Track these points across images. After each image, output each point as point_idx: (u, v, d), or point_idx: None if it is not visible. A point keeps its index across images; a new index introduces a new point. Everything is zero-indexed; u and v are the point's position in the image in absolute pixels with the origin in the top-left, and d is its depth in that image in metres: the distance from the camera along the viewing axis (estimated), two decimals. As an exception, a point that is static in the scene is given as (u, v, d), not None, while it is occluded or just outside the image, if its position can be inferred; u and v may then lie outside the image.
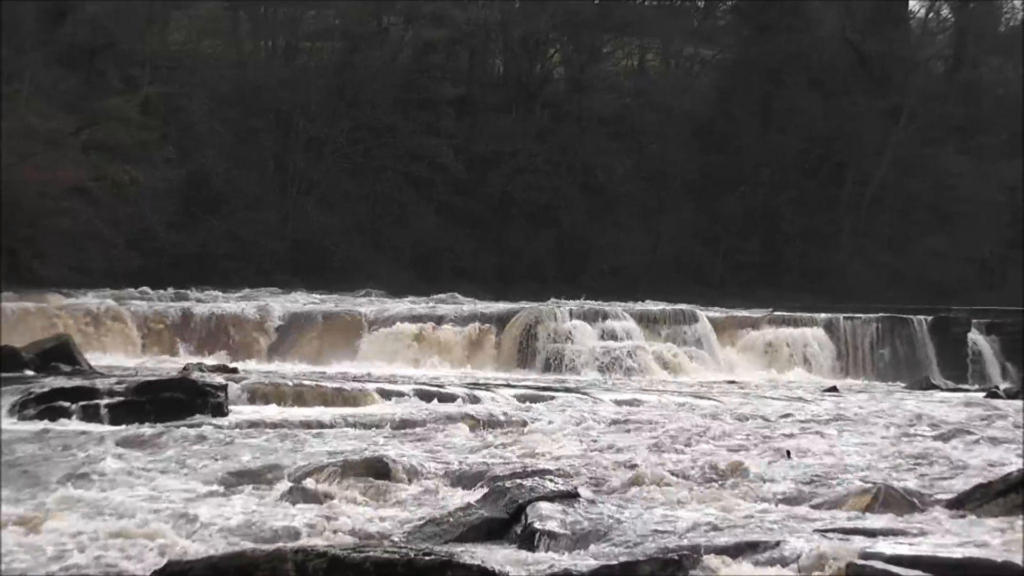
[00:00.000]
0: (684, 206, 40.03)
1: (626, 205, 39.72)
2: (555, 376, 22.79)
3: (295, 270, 33.20)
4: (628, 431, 13.08)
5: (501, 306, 26.29)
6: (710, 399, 17.26)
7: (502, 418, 14.05)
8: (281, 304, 26.17)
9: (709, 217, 39.62)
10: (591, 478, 9.68)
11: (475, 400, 15.68)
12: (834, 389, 20.55)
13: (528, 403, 15.79)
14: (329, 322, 24.95)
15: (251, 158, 36.13)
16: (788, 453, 10.95)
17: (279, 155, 36.61)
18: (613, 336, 24.62)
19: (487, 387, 17.20)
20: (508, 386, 17.81)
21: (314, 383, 16.14)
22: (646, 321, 25.41)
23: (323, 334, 24.63)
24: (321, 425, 13.28)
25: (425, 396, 15.68)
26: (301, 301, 27.44)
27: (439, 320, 24.87)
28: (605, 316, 25.17)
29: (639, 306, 27.43)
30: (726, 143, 40.50)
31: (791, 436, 12.73)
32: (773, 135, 40.61)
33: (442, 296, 29.51)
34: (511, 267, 36.51)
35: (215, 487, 9.27)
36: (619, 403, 16.17)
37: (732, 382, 22.48)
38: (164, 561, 6.48)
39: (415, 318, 24.95)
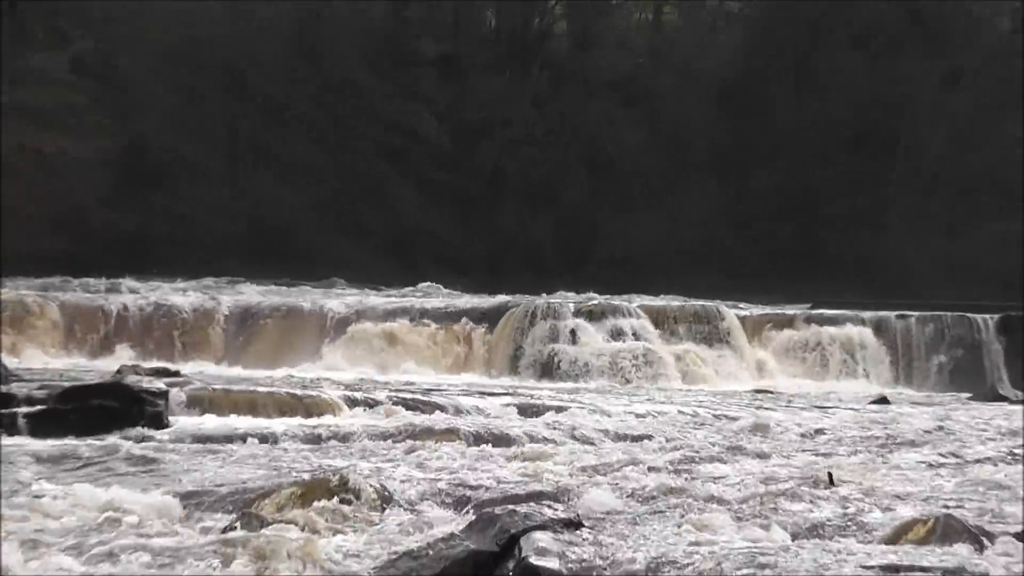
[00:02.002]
0: (707, 183, 40.23)
1: (639, 182, 39.98)
2: (555, 383, 22.99)
3: (250, 256, 33.41)
4: (641, 448, 13.22)
5: (492, 300, 26.43)
6: (737, 411, 17.35)
7: (492, 432, 14.04)
8: (233, 296, 26.31)
9: (736, 196, 39.90)
10: (596, 503, 9.74)
11: (460, 410, 15.72)
12: (884, 400, 20.63)
13: (523, 414, 15.83)
14: (289, 318, 25.18)
15: (199, 124, 36.25)
16: (830, 477, 10.96)
17: (232, 121, 36.78)
18: (623, 336, 24.85)
19: (475, 395, 17.36)
20: (500, 394, 17.95)
21: (271, 389, 16.18)
22: (662, 319, 25.61)
23: (282, 332, 24.85)
24: (279, 439, 13.31)
25: (402, 405, 15.73)
26: (256, 293, 27.60)
27: (419, 316, 25.05)
28: (614, 313, 25.36)
29: (654, 301, 27.61)
30: (756, 110, 40.82)
31: (832, 456, 12.80)
32: (811, 101, 40.95)
33: (423, 288, 29.67)
34: (504, 255, 36.80)
35: (146, 515, 9.14)
36: (630, 415, 16.31)
37: (763, 391, 22.60)
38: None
39: (391, 314, 25.10)
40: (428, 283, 30.54)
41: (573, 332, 24.70)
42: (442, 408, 15.71)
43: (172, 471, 11.18)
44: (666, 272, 34.96)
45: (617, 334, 24.89)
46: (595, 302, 26.16)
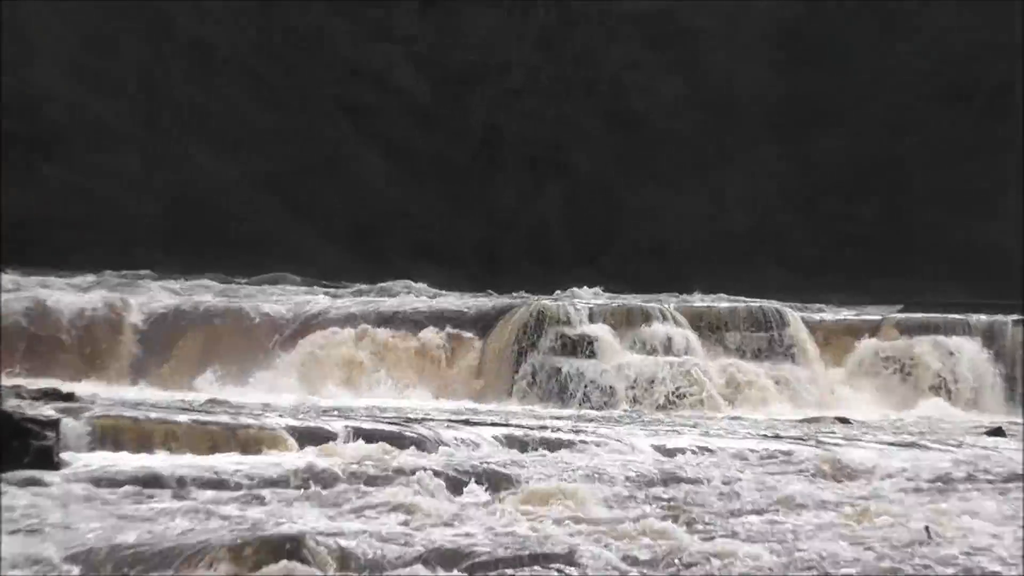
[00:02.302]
0: (761, 151, 40.43)
1: (674, 148, 40.05)
2: (566, 410, 23.12)
3: (171, 245, 33.49)
4: (675, 495, 13.27)
5: (484, 302, 26.57)
6: (804, 446, 17.33)
7: (483, 473, 14.02)
8: (149, 296, 26.31)
9: (799, 167, 40.14)
10: (613, 569, 9.72)
11: (443, 445, 15.75)
12: (998, 432, 20.59)
13: (524, 450, 15.86)
14: (222, 325, 25.34)
15: (106, 74, 36.28)
16: (927, 531, 11.04)
17: (148, 70, 36.81)
18: (654, 348, 24.98)
19: (462, 426, 17.40)
20: (494, 425, 18.00)
21: (196, 418, 16.15)
22: (706, 325, 25.75)
23: (212, 344, 24.98)
24: (206, 483, 13.20)
25: (366, 438, 15.68)
26: (177, 292, 27.59)
27: (389, 323, 25.20)
28: (643, 318, 25.50)
29: (695, 302, 27.95)
30: (825, 57, 40.89)
31: (930, 505, 12.80)
32: (896, 44, 40.83)
33: (394, 286, 29.57)
34: (499, 242, 36.95)
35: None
36: (662, 451, 16.40)
37: (840, 420, 22.55)
38: None
39: (352, 319, 25.24)
40: (402, 280, 30.50)
41: (590, 343, 24.77)
42: (418, 443, 15.74)
43: (64, 524, 11.05)
44: (710, 265, 35.11)
45: (647, 346, 25.02)
46: (618, 304, 26.35)
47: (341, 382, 24.22)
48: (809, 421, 22.20)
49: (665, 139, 40.23)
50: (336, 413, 18.91)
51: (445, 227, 36.90)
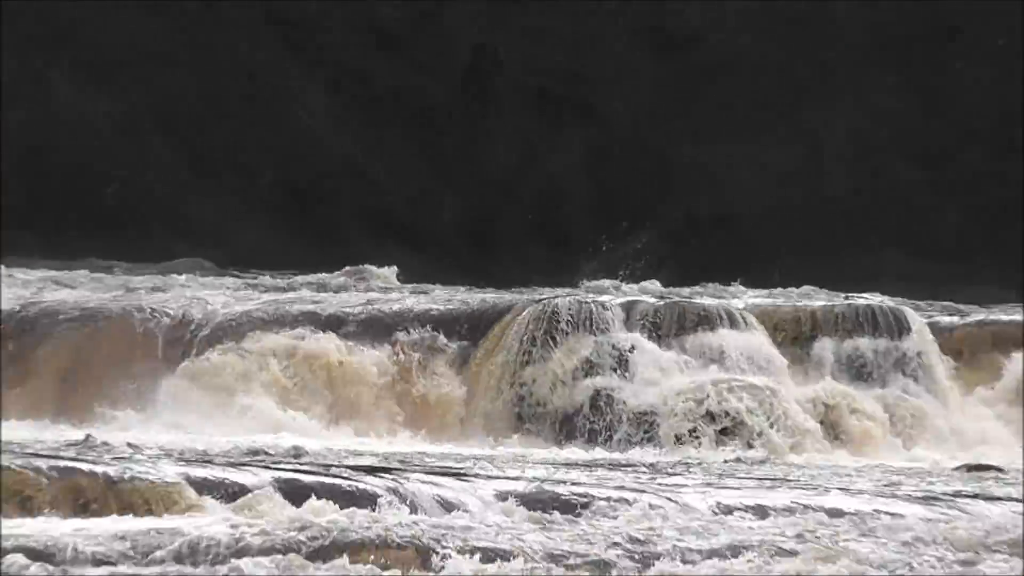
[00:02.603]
0: (871, 83, 40.29)
1: (743, 80, 40.22)
2: (592, 452, 23.28)
3: (22, 215, 33.57)
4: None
5: (472, 299, 26.79)
6: (934, 505, 17.16)
7: (476, 549, 13.85)
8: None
9: (923, 107, 40.21)
10: None
11: (415, 505, 15.69)
12: None
13: (534, 513, 15.62)
14: (95, 330, 25.44)
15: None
16: None
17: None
18: (712, 361, 25.09)
19: (443, 475, 17.43)
20: (491, 477, 17.99)
21: (61, 464, 15.93)
22: (789, 332, 25.93)
23: (82, 358, 25.16)
24: (75, 557, 13.12)
25: (294, 495, 15.48)
26: (32, 283, 27.73)
27: (339, 328, 25.34)
28: (698, 321, 25.58)
29: (773, 298, 28.23)
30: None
31: None
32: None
33: (348, 276, 30.47)
34: (494, 214, 37.22)
35: None
36: (724, 510, 16.38)
37: (984, 467, 22.35)
38: None
39: (285, 322, 25.35)
40: (358, 266, 31.02)
41: (624, 357, 24.85)
42: (372, 499, 15.67)
43: None
44: (795, 245, 35.26)
45: (705, 361, 25.10)
46: (665, 301, 26.23)
47: (266, 410, 24.30)
48: (941, 470, 22.02)
49: (731, 68, 40.23)
50: (259, 458, 18.79)
51: (417, 193, 37.13)
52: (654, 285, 28.84)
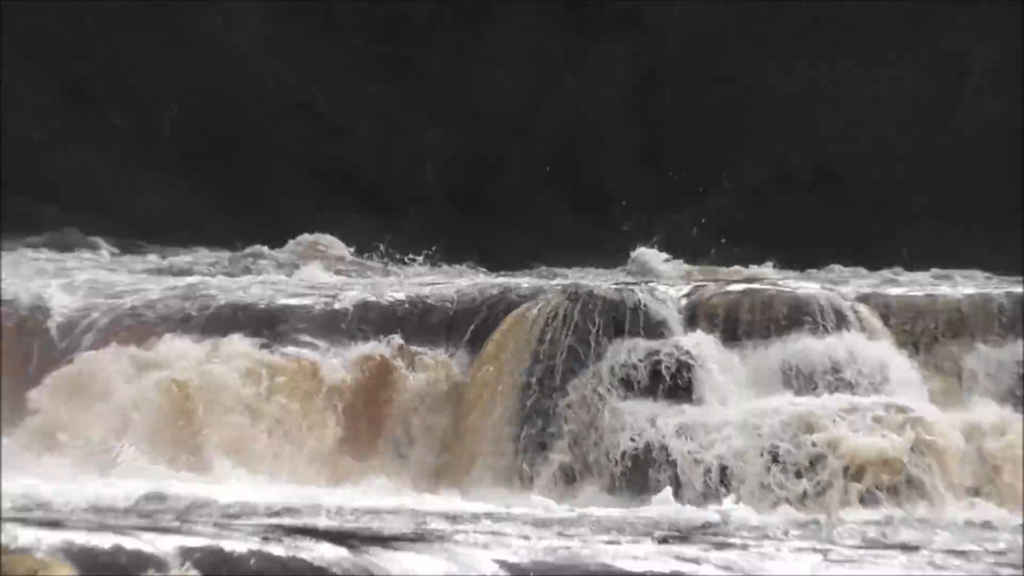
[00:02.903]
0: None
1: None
2: (640, 511, 19.04)
3: None
4: None
5: (469, 285, 23.67)
6: None
7: None
8: None
9: None
10: None
11: None
12: None
13: None
14: None
15: None
16: None
17: None
18: (815, 380, 21.27)
19: (428, 541, 15.77)
20: (495, 535, 16.30)
21: None
22: (922, 334, 22.42)
23: None
24: None
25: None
26: None
27: (268, 327, 22.48)
28: (791, 318, 21.71)
29: (897, 287, 24.99)
30: None
31: None
32: None
33: (292, 253, 30.38)
34: (495, 164, 35.12)
35: None
36: None
37: None
38: None
39: (191, 323, 22.73)
40: (303, 237, 30.68)
41: (686, 369, 20.84)
42: None
43: None
44: (924, 215, 32.53)
45: (804, 376, 21.25)
46: (741, 289, 22.33)
47: (171, 444, 20.85)
48: None
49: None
50: (169, 515, 16.58)
51: (386, 136, 35.12)
52: (724, 267, 26.59)
